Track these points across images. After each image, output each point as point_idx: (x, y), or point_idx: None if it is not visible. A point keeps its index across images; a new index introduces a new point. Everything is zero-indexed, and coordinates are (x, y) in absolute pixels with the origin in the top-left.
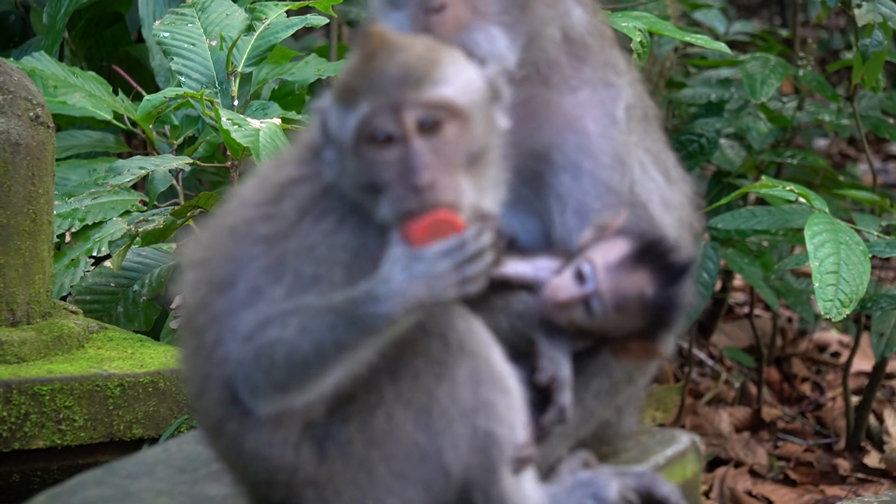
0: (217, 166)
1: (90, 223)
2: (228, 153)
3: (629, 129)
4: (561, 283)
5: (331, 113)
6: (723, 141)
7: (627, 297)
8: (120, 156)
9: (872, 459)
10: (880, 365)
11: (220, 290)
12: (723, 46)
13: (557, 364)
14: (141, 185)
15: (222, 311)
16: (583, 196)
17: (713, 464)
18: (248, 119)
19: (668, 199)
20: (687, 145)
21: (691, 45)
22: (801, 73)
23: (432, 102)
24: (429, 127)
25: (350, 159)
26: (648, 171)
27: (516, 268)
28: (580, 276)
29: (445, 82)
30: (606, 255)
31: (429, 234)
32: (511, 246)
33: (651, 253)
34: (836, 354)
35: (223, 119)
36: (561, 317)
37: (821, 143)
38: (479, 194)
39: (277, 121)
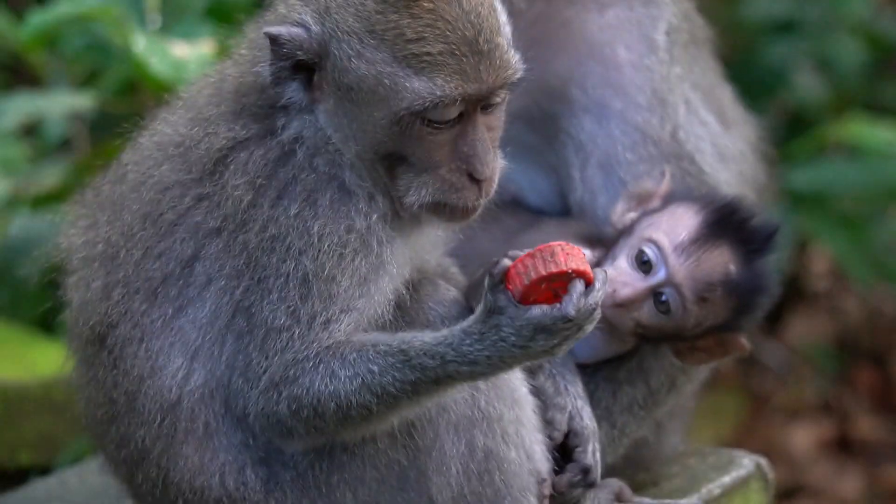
0: (131, 108)
1: None
2: (146, 90)
3: (672, 58)
4: (620, 276)
5: (348, 51)
6: (799, 71)
7: (711, 282)
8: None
9: None
10: None
11: (149, 296)
12: None
13: (568, 396)
14: (30, 132)
15: (161, 324)
16: (610, 145)
17: (785, 495)
18: (172, 44)
19: (723, 149)
20: (751, 77)
21: None
22: None
23: (511, 83)
24: (491, 107)
25: (383, 126)
26: (697, 112)
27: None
28: (643, 264)
29: (514, 51)
30: (672, 230)
31: (552, 286)
32: (515, 208)
33: (727, 220)
34: None
35: (137, 45)
36: (623, 320)
37: None
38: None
39: (210, 46)
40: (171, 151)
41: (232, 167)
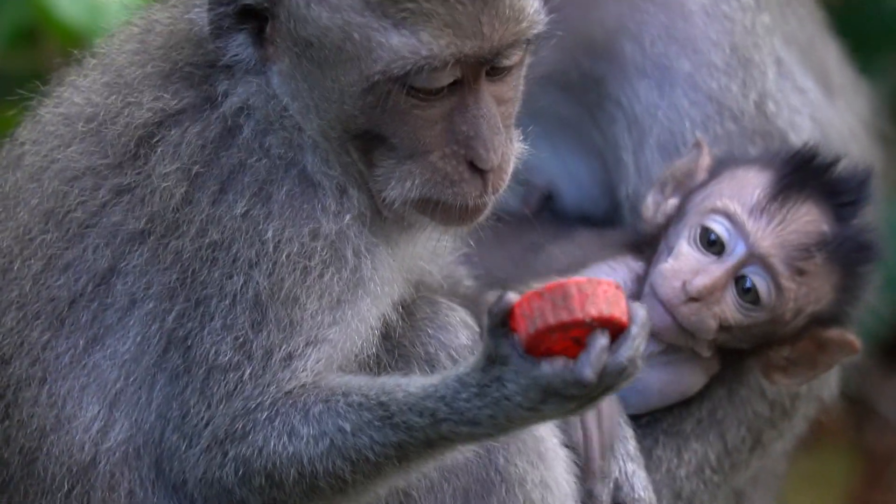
0: (31, 65)
1: None
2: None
3: (758, 3)
4: (686, 262)
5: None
6: None
7: (806, 246)
8: None
9: None
10: None
11: (53, 323)
12: None
13: (614, 458)
14: None
15: (70, 360)
16: (675, 119)
17: None
18: None
19: (826, 125)
20: (867, 27)
21: None
22: None
23: (527, 39)
24: (500, 72)
25: (352, 95)
26: (792, 76)
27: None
28: (712, 244)
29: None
30: (740, 192)
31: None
32: (547, 207)
33: (805, 170)
34: None
35: None
36: (702, 320)
37: None
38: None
39: None
40: (81, 127)
41: (160, 150)
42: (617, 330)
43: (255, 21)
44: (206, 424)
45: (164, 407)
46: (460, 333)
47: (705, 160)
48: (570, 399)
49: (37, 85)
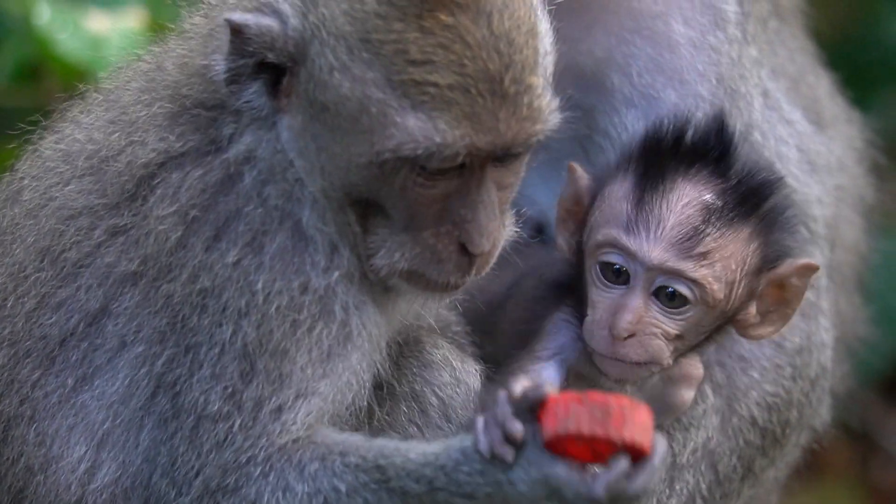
0: (32, 100)
1: None
2: (51, 74)
3: (745, 36)
4: (601, 312)
5: (331, 61)
6: None
7: (695, 229)
8: None
9: None
10: None
11: (43, 361)
12: None
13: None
14: None
15: (58, 400)
16: None
17: None
18: (88, 16)
19: (814, 155)
20: (867, 59)
21: None
22: None
23: (538, 137)
24: (505, 160)
25: (359, 165)
26: (779, 107)
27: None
28: (616, 274)
29: (550, 96)
30: (611, 213)
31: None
32: (538, 236)
33: (659, 153)
34: None
35: (41, 16)
36: (652, 351)
37: None
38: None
39: (139, 19)
40: (81, 165)
41: (159, 191)
42: (637, 455)
43: (272, 72)
44: (197, 474)
45: (152, 451)
46: (444, 371)
47: (582, 183)
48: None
49: (38, 120)
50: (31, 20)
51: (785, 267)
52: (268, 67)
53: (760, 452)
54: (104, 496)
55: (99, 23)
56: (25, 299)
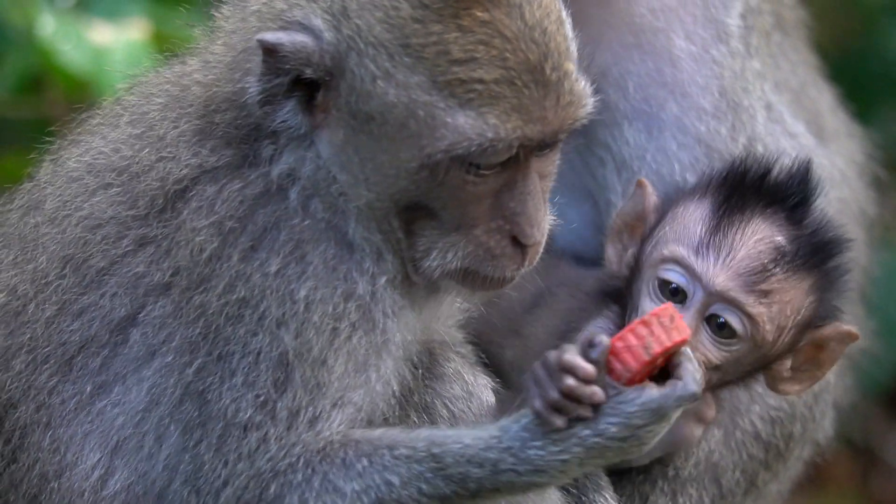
0: (35, 112)
1: None
2: (54, 87)
3: (748, 49)
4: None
5: (372, 70)
6: None
7: (763, 266)
8: None
9: None
10: None
11: (61, 367)
12: None
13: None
14: None
15: (75, 406)
16: (663, 162)
17: None
18: (91, 27)
19: (816, 168)
20: (868, 72)
21: None
22: None
23: (580, 120)
24: (546, 148)
25: (409, 171)
26: (782, 120)
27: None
28: (673, 294)
29: (583, 78)
30: (683, 233)
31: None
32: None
33: (742, 185)
34: None
35: (44, 27)
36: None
37: None
38: None
39: (142, 30)
40: (109, 178)
41: (193, 204)
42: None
43: (306, 89)
44: (225, 483)
45: (175, 459)
46: (456, 385)
47: (651, 200)
48: (664, 421)
49: (42, 131)
50: (34, 31)
51: (831, 328)
52: (302, 85)
53: (764, 466)
54: (115, 503)
55: (102, 34)
56: (46, 305)
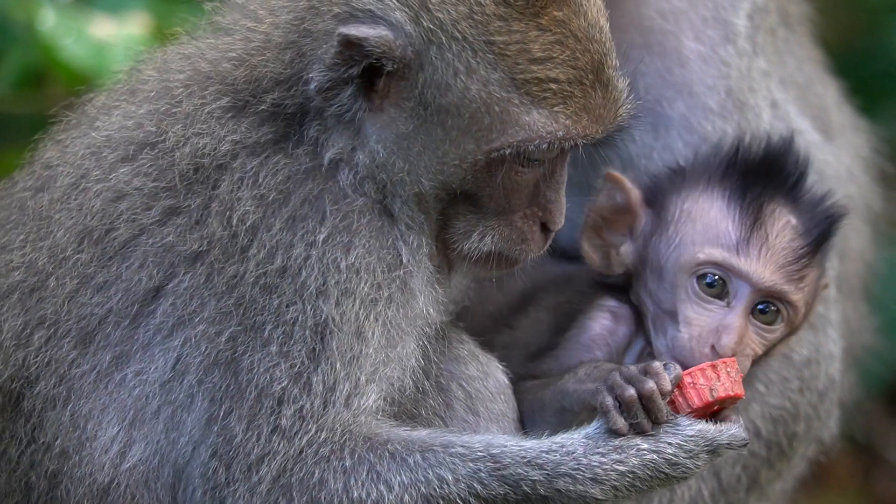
0: (37, 107)
1: None
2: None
3: (755, 48)
4: (701, 328)
5: (455, 65)
6: None
7: (798, 255)
8: None
9: None
10: None
11: (82, 340)
12: None
13: None
14: None
15: (94, 378)
16: (670, 160)
17: None
18: (92, 21)
19: (822, 165)
20: (872, 69)
21: None
22: None
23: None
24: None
25: (471, 162)
26: (788, 117)
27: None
28: (713, 288)
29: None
30: (715, 232)
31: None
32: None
33: (751, 169)
34: None
35: (45, 21)
36: (743, 370)
37: None
38: None
39: (143, 24)
40: (131, 152)
41: (236, 175)
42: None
43: (367, 76)
44: (260, 460)
45: (200, 431)
46: (471, 365)
47: (634, 195)
48: (714, 457)
49: (44, 126)
50: (35, 26)
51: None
52: (365, 72)
53: (767, 465)
54: (135, 476)
55: (103, 29)
56: (66, 280)
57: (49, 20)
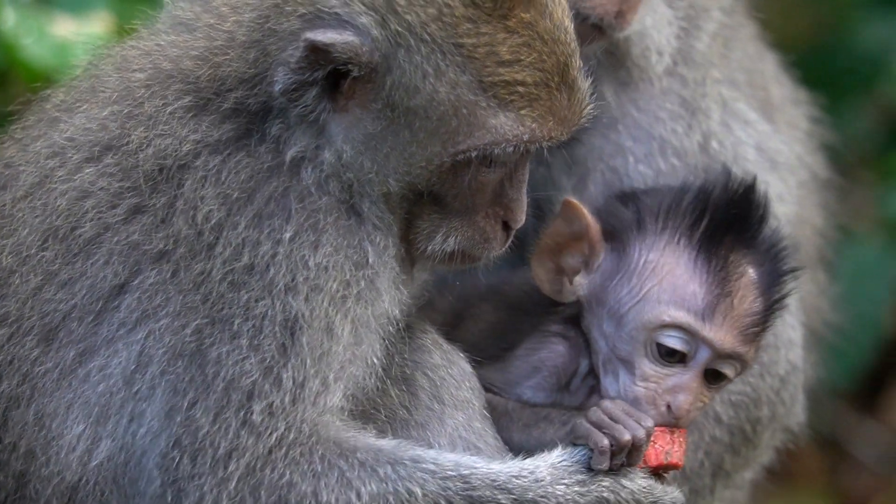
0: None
1: None
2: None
3: (710, 60)
4: (656, 387)
5: (424, 67)
6: None
7: (754, 313)
8: None
9: None
10: None
11: (45, 337)
12: None
13: None
14: None
15: (58, 376)
16: (621, 161)
17: None
18: (53, 20)
19: (773, 154)
20: (838, 66)
21: None
22: None
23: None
24: None
25: (437, 164)
26: (737, 112)
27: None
28: (672, 355)
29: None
30: (681, 294)
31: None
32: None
33: (717, 222)
34: None
35: (5, 20)
36: (692, 422)
37: None
38: None
39: (105, 23)
40: (96, 153)
41: (199, 174)
42: None
43: (332, 77)
44: (229, 455)
45: (160, 423)
46: (434, 354)
47: (595, 229)
48: None
49: (5, 126)
50: None
51: None
52: (330, 75)
53: (731, 450)
54: (103, 474)
55: (64, 28)
56: (30, 277)
57: (10, 20)
